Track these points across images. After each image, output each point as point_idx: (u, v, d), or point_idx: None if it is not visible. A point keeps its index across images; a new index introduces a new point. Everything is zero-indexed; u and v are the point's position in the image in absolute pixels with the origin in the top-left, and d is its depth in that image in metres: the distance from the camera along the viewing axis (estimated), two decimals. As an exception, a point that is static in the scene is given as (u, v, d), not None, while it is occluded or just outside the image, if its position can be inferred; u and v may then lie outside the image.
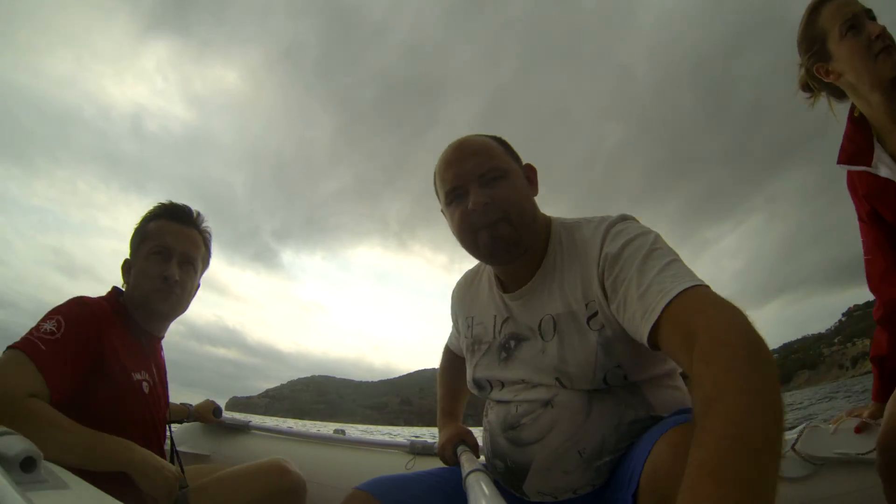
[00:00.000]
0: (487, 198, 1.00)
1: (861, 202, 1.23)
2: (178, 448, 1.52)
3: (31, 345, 1.07)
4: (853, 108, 1.20)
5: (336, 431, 2.28)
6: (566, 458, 0.97)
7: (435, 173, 1.11)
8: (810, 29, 1.16)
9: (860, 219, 1.26)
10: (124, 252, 1.43)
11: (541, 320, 1.04)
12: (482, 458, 1.16)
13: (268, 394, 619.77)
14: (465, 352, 1.22)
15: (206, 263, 1.46)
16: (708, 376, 0.62)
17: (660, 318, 0.78)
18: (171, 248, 1.33)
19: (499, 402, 1.10)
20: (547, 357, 1.01)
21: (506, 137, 1.12)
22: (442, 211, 1.14)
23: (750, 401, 0.56)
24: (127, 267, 1.35)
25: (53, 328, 1.10)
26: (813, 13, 1.16)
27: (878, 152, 1.13)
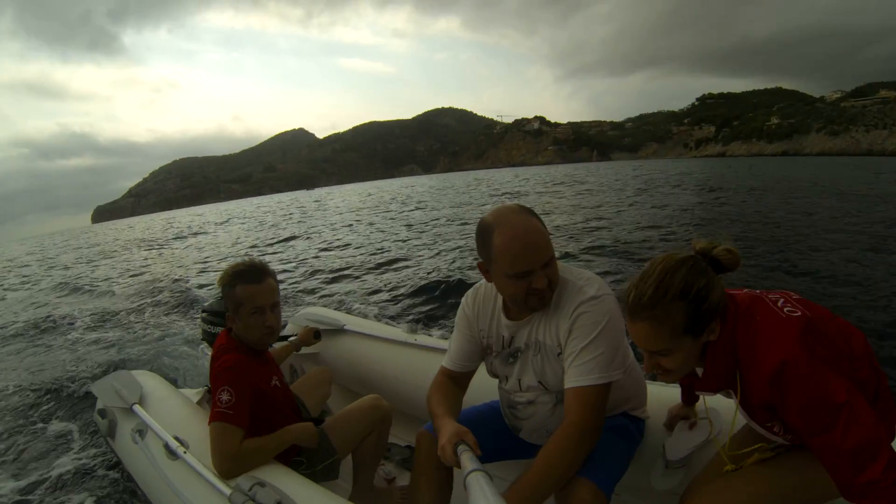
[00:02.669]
0: (546, 279, 1.37)
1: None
2: (295, 352, 2.75)
3: (225, 416, 1.67)
4: None
5: (410, 331, 2.84)
6: (540, 432, 1.58)
7: (499, 244, 1.35)
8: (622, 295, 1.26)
9: None
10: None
11: (533, 341, 1.50)
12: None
13: (132, 192, 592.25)
14: (483, 351, 1.66)
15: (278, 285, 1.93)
16: (558, 437, 1.31)
17: (567, 388, 1.36)
18: (263, 306, 1.82)
19: (506, 390, 1.63)
20: (535, 366, 1.51)
21: None
22: (485, 268, 1.45)
23: (558, 462, 1.28)
24: (231, 318, 1.84)
25: (229, 397, 1.68)
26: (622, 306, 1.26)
27: None
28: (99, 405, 2.51)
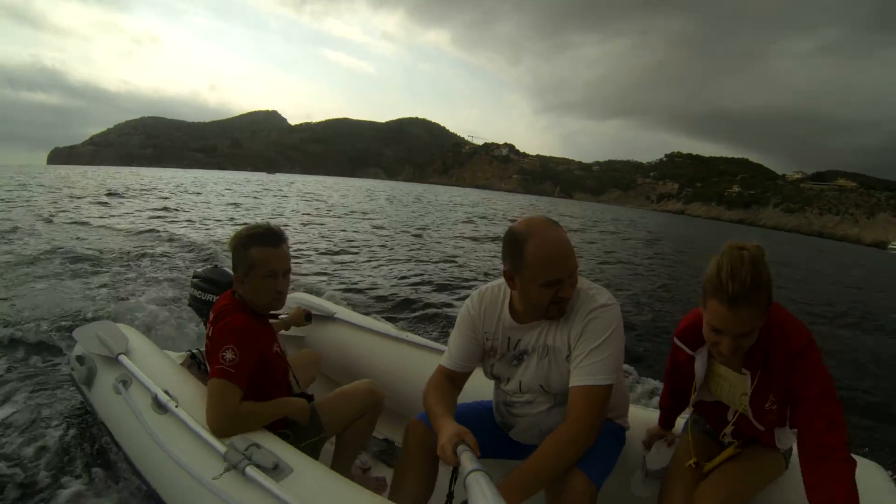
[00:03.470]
0: (572, 289, 1.46)
1: (676, 357, 1.66)
2: (282, 333, 2.63)
3: (227, 373, 1.63)
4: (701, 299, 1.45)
5: (398, 328, 2.87)
6: (532, 430, 1.63)
7: (534, 253, 1.40)
8: (706, 288, 1.32)
9: (672, 353, 1.68)
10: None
11: (541, 345, 1.55)
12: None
13: (93, 141, 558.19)
14: (484, 353, 1.67)
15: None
16: (562, 431, 1.38)
17: (573, 387, 1.43)
18: (277, 270, 1.80)
19: (504, 391, 1.67)
20: (539, 369, 1.56)
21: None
22: (512, 275, 1.48)
23: (563, 454, 1.35)
24: (240, 280, 1.81)
25: (234, 356, 1.65)
26: (713, 294, 1.30)
27: (704, 350, 1.53)
28: (78, 351, 2.40)
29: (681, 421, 1.89)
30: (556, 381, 1.54)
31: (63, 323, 4.30)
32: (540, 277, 1.41)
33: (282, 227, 1.87)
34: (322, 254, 10.43)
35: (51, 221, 12.24)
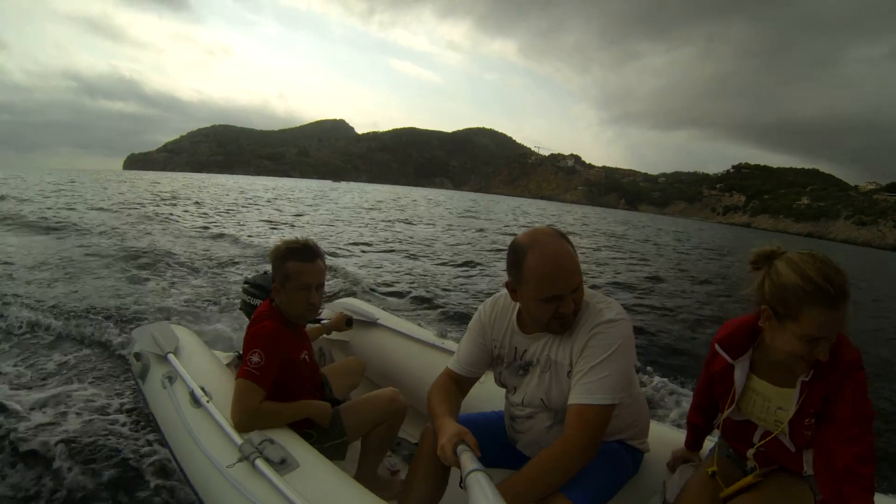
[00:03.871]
0: (573, 304, 1.39)
1: (711, 366, 1.55)
2: (326, 336, 2.82)
3: (251, 375, 1.76)
4: (762, 316, 1.33)
5: (439, 334, 3.00)
6: (534, 448, 1.59)
7: (532, 267, 1.36)
8: (799, 298, 1.22)
9: (707, 363, 1.58)
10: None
11: (545, 358, 1.52)
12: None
13: (167, 147, 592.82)
14: (492, 360, 1.69)
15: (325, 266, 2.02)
16: (554, 447, 1.35)
17: (570, 405, 1.39)
18: (310, 284, 1.91)
19: (510, 403, 1.67)
20: (541, 382, 1.53)
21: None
22: (514, 287, 1.47)
23: (552, 469, 1.33)
24: (277, 290, 1.94)
25: (259, 359, 1.78)
26: (814, 301, 1.20)
27: (745, 359, 1.44)
28: (136, 348, 2.65)
29: (708, 444, 1.78)
30: (556, 397, 1.51)
31: (131, 313, 4.87)
32: (539, 293, 1.38)
33: (318, 243, 1.99)
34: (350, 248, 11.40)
35: (127, 216, 13.41)
